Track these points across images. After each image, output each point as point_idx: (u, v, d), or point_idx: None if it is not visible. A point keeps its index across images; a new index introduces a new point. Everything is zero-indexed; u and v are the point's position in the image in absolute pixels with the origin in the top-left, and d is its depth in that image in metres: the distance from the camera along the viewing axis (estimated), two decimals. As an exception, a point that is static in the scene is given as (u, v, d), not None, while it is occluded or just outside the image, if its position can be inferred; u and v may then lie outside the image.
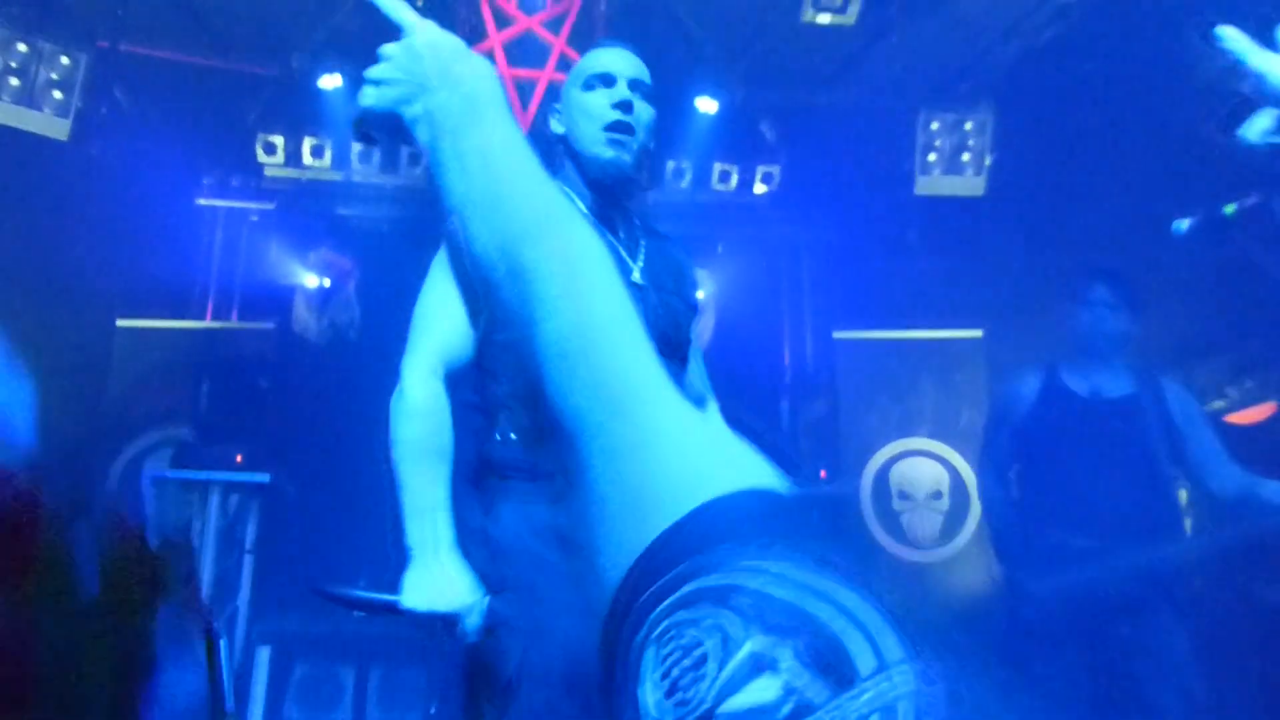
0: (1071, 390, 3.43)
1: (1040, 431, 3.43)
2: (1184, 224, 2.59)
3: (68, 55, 5.68)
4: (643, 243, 2.17)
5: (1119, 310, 3.42)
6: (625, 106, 2.06)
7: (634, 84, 2.12)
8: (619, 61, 2.14)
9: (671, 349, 2.10)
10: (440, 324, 2.07)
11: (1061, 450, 3.36)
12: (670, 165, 7.32)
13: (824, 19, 5.63)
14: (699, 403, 2.26)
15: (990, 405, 3.67)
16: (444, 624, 1.88)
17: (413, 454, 2.03)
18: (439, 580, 1.91)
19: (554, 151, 2.14)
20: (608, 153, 2.07)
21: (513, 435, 2.01)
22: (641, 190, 2.26)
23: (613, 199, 2.12)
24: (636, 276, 2.07)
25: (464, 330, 2.05)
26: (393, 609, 1.97)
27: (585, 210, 2.03)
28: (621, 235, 2.13)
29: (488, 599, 1.90)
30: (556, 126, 2.20)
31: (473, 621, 1.89)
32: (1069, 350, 3.51)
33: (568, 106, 2.15)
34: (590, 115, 2.07)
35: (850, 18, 5.62)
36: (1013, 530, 3.45)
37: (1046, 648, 3.34)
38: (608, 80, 2.10)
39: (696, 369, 2.33)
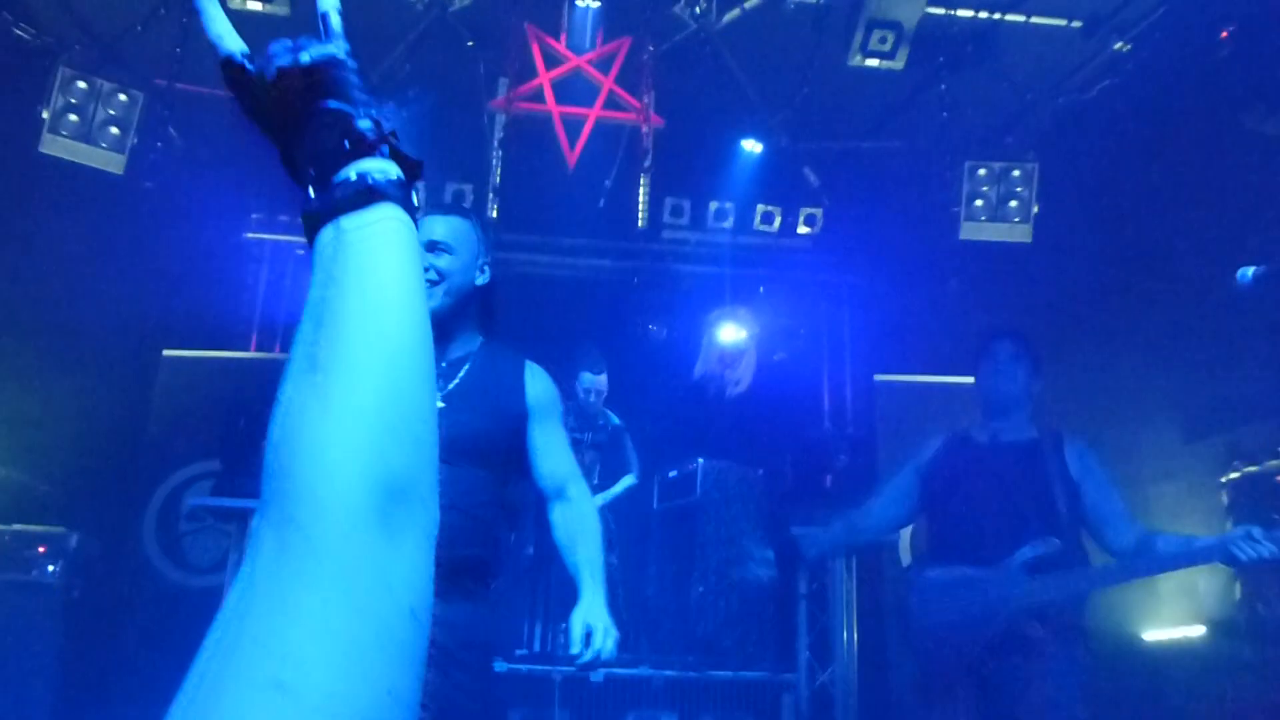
0: (972, 437, 3.61)
1: (941, 473, 3.58)
2: (1249, 272, 2.55)
3: (125, 93, 5.82)
4: (465, 366, 2.63)
5: (1019, 365, 3.58)
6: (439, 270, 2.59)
7: (430, 245, 2.59)
8: (432, 228, 2.63)
9: (469, 457, 2.47)
10: None
11: (960, 489, 3.49)
12: (714, 206, 7.35)
13: (872, 63, 5.64)
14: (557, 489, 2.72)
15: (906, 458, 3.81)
16: None
17: None
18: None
19: None
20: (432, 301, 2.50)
21: None
22: (482, 314, 2.75)
23: (441, 331, 2.54)
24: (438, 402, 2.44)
25: None
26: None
27: None
28: (443, 364, 2.60)
29: None
30: None
31: None
32: (982, 406, 3.68)
33: None
34: None
35: (899, 63, 5.62)
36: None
37: (938, 680, 3.39)
38: (430, 247, 2.60)
39: (549, 454, 2.72)
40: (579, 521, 2.71)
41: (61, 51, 5.70)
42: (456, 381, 2.62)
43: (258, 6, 5.54)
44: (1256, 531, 2.91)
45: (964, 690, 3.28)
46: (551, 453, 2.73)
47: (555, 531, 2.73)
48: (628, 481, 6.32)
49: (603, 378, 6.31)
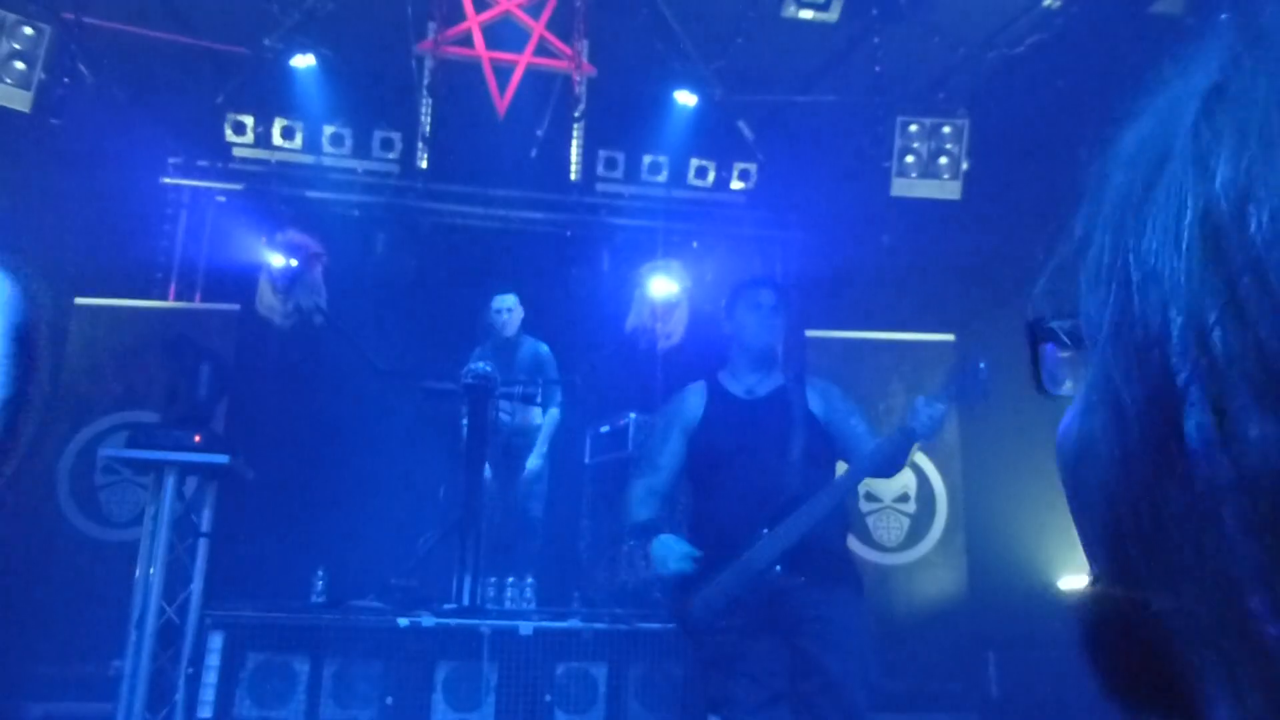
0: (730, 392, 3.60)
1: (706, 436, 3.56)
2: None
3: (31, 26, 5.55)
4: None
5: (779, 316, 3.61)
6: None
7: None
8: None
9: None
10: None
11: (723, 443, 3.51)
12: (647, 160, 7.28)
13: (805, 15, 5.60)
14: None
15: (661, 411, 3.81)
16: None
17: None
18: None
19: None
20: None
21: None
22: None
23: None
24: None
25: None
26: None
27: None
28: None
29: None
30: None
31: None
32: (728, 357, 3.68)
33: None
34: None
35: (832, 15, 5.60)
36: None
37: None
38: None
39: None
40: None
41: (-40, -19, 5.41)
42: None
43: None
44: (921, 401, 3.16)
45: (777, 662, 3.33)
46: None
47: None
48: (553, 417, 6.29)
49: (510, 298, 6.30)
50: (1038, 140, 6.22)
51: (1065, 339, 0.50)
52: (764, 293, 3.62)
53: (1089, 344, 0.46)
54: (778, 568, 3.25)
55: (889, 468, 3.45)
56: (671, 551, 3.29)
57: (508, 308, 6.28)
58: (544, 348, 6.38)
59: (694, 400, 3.59)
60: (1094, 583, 0.45)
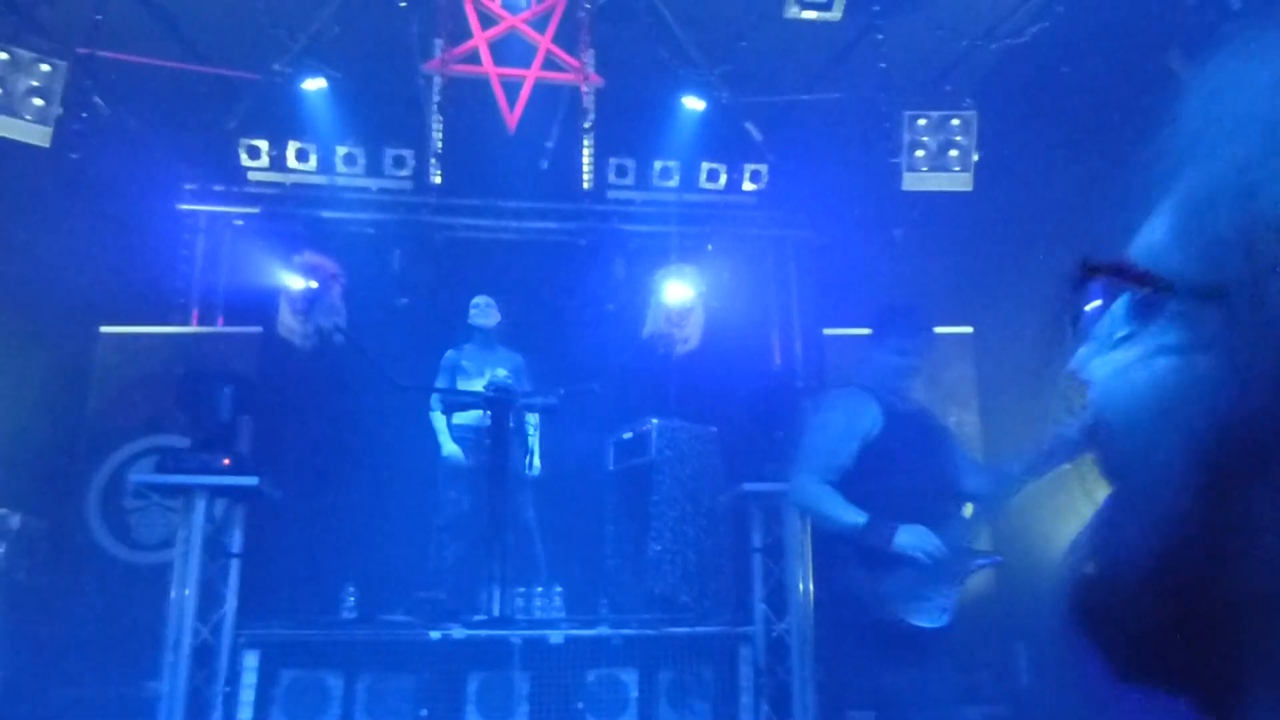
0: (895, 405, 3.74)
1: (889, 438, 3.67)
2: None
3: (47, 63, 5.64)
4: None
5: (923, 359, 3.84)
6: None
7: None
8: None
9: None
10: None
11: (907, 450, 3.67)
12: (658, 165, 7.31)
13: (808, 15, 5.62)
14: None
15: (831, 415, 3.84)
16: None
17: None
18: None
19: None
20: None
21: None
22: None
23: None
24: None
25: None
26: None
27: None
28: None
29: None
30: None
31: None
32: (885, 377, 3.79)
33: None
34: None
35: (835, 14, 5.60)
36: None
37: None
38: None
39: None
40: None
41: (-23, 21, 5.50)
42: None
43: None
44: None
45: None
46: None
47: None
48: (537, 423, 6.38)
49: (483, 298, 6.45)
50: (1046, 128, 6.21)
51: (1141, 283, 0.52)
52: (922, 338, 3.86)
53: (1178, 295, 0.48)
54: (980, 561, 3.55)
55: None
56: (927, 539, 3.42)
57: (486, 302, 6.45)
58: (520, 357, 6.48)
59: (872, 410, 3.71)
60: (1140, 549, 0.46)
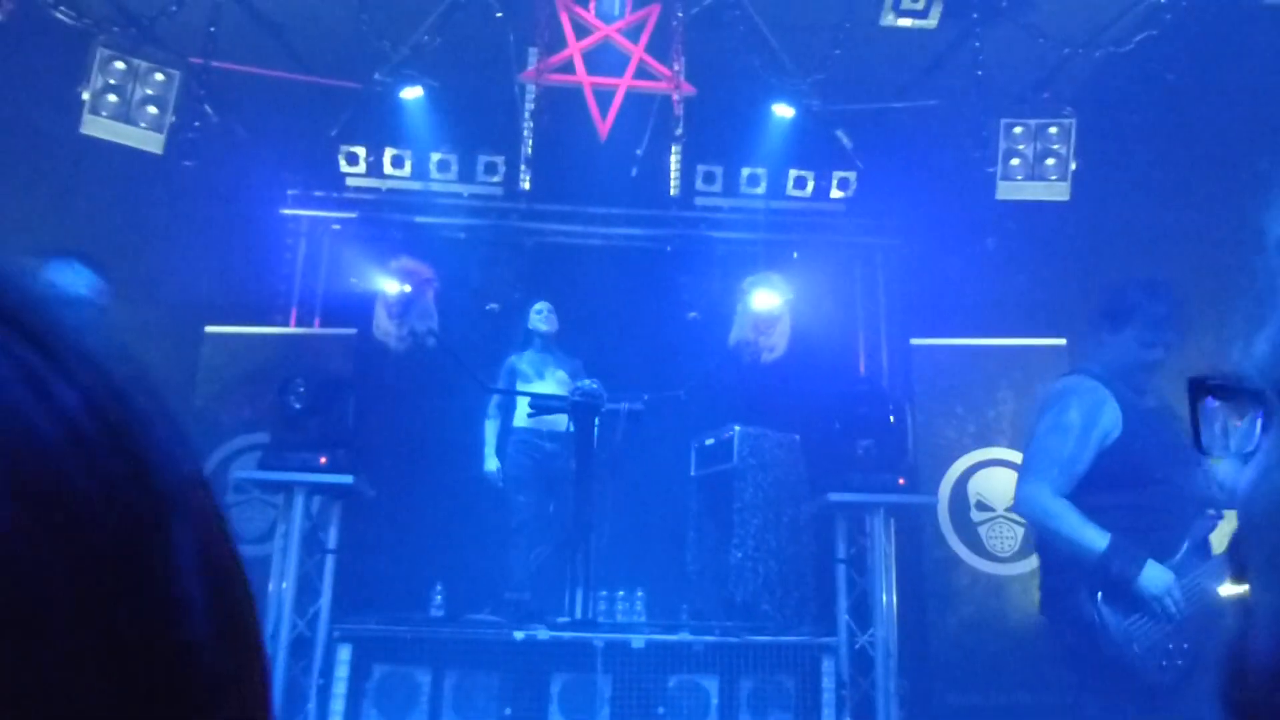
0: (1137, 401, 3.39)
1: (1131, 442, 3.34)
2: None
3: (163, 72, 5.89)
4: None
5: (1175, 328, 3.39)
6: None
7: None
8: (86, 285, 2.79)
9: None
10: None
11: (1154, 457, 3.30)
12: (746, 172, 7.31)
13: (904, 23, 5.57)
14: None
15: (1063, 424, 3.42)
16: None
17: None
18: None
19: None
20: None
21: None
22: None
23: None
24: None
25: None
26: None
27: None
28: None
29: None
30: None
31: None
32: (1123, 368, 3.44)
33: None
34: None
35: (931, 21, 5.54)
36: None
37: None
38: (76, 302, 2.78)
39: None
40: None
41: (99, 32, 5.77)
42: None
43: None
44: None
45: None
46: None
47: None
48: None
49: (544, 307, 6.58)
50: (1147, 138, 6.05)
51: (1245, 396, 0.54)
52: (1178, 310, 3.39)
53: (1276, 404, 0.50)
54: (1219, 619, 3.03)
55: None
56: (1174, 590, 3.10)
57: (548, 308, 6.57)
58: (578, 361, 6.56)
59: (1111, 408, 3.37)
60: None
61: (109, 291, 2.86)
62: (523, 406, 6.31)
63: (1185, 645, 3.10)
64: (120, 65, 5.82)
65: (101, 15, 5.82)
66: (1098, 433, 3.33)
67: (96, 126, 5.77)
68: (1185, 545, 3.20)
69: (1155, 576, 3.10)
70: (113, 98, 5.79)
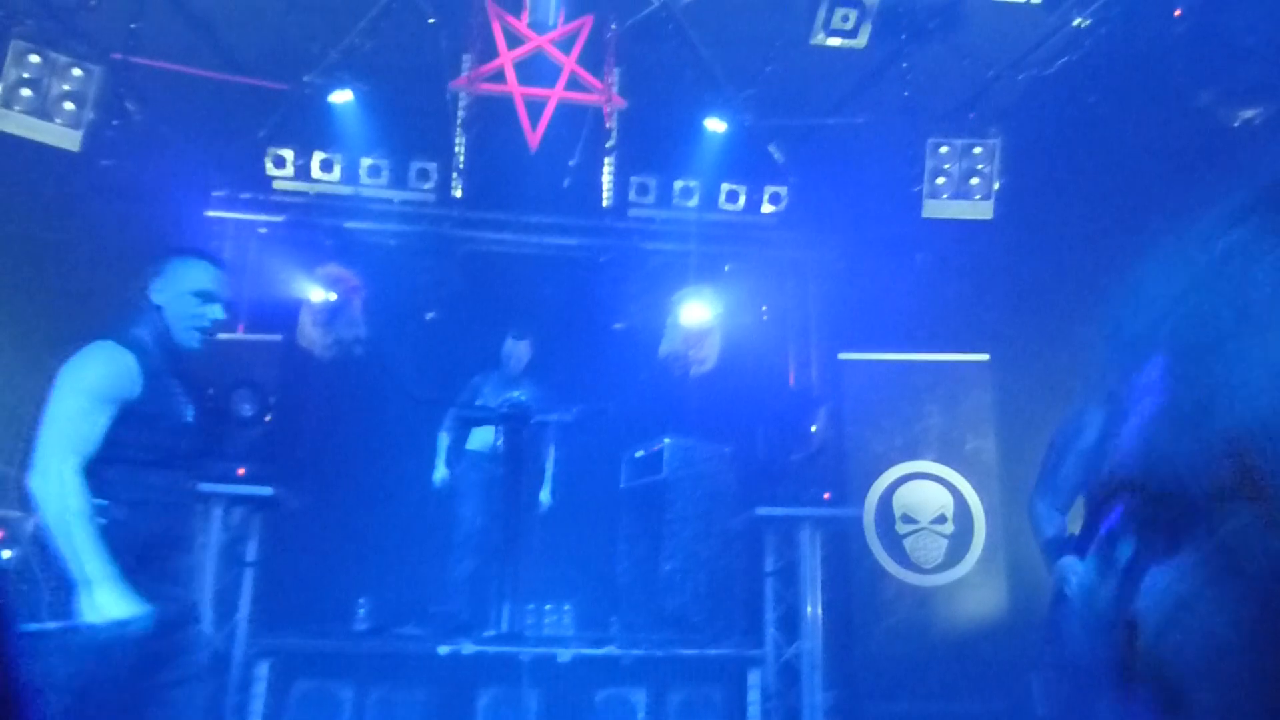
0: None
1: (1102, 456, 3.47)
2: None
3: (81, 68, 5.70)
4: (193, 395, 2.94)
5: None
6: (218, 322, 2.93)
7: (225, 303, 2.97)
8: (221, 284, 2.96)
9: (197, 462, 2.98)
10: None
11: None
12: (679, 184, 7.34)
13: (834, 42, 5.65)
14: None
15: (1060, 430, 3.62)
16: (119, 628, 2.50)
17: (68, 519, 2.56)
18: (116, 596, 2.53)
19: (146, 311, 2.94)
20: (195, 344, 2.91)
21: None
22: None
23: (183, 363, 2.91)
24: (188, 417, 2.87)
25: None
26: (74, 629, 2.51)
27: (167, 366, 2.84)
28: (183, 389, 2.89)
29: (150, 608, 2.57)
30: (156, 297, 2.96)
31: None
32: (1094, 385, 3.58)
33: (170, 293, 2.92)
34: (187, 315, 2.91)
35: (861, 41, 5.63)
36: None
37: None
38: (210, 298, 2.91)
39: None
40: None
41: (15, 24, 5.57)
42: None
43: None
44: None
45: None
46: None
47: None
48: (552, 453, 6.54)
49: (523, 344, 6.52)
50: (1069, 158, 6.22)
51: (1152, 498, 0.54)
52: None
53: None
54: None
55: None
56: (1073, 570, 3.31)
57: (519, 355, 6.63)
58: (541, 390, 6.59)
59: (1092, 420, 3.51)
60: None
61: (228, 285, 2.86)
62: (478, 432, 6.34)
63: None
64: (36, 59, 5.62)
65: (18, 7, 5.62)
66: (1076, 445, 3.55)
67: (9, 122, 5.57)
68: None
69: (1061, 569, 3.37)
70: (27, 92, 5.59)
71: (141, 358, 2.78)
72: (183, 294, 2.90)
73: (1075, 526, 3.40)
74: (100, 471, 2.65)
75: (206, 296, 2.89)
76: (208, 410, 2.95)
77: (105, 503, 2.62)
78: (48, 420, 2.65)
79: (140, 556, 2.65)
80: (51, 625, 2.74)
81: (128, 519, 2.64)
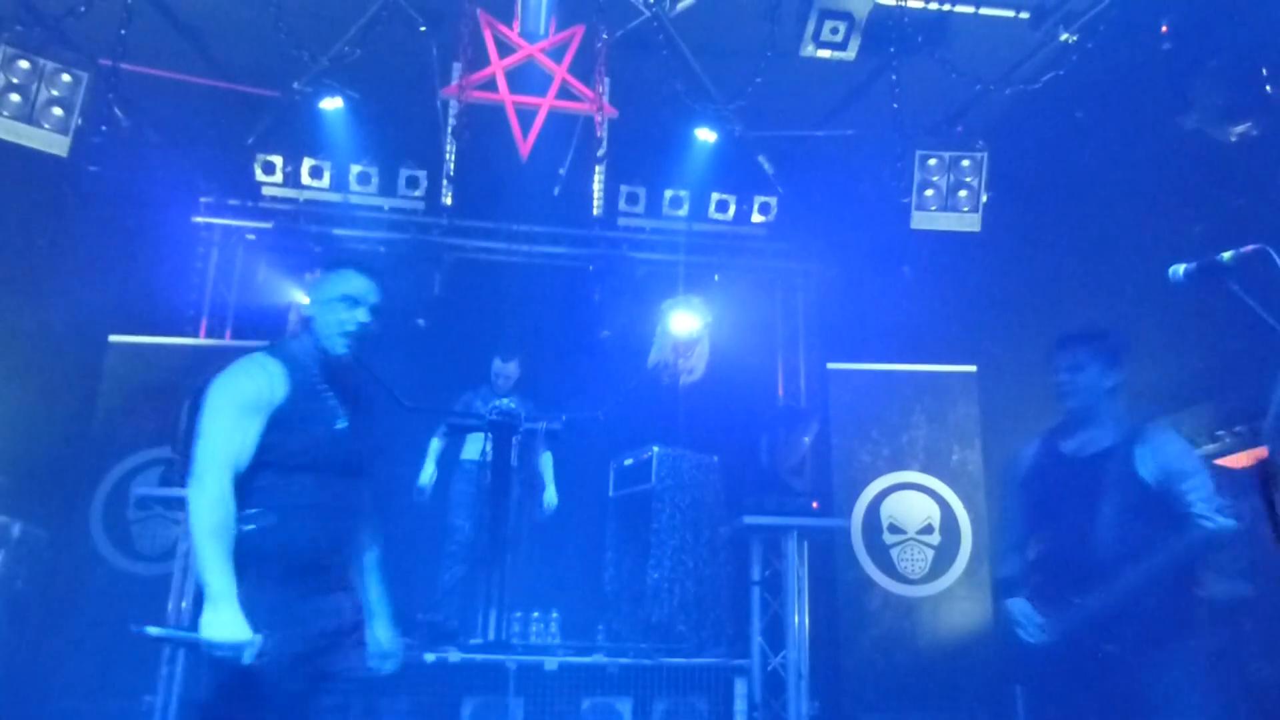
0: (1059, 448, 3.55)
1: (1035, 489, 3.56)
2: (1180, 269, 2.61)
3: (69, 73, 5.68)
4: (349, 401, 2.91)
5: (1082, 374, 3.50)
6: (364, 326, 2.89)
7: (372, 309, 2.92)
8: (366, 289, 2.91)
9: (358, 469, 2.91)
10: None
11: (1050, 505, 3.49)
12: (669, 194, 7.36)
13: (824, 54, 5.68)
14: None
15: (1003, 468, 3.84)
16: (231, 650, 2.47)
17: (212, 534, 2.55)
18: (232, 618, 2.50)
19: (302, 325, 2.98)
20: (341, 350, 2.86)
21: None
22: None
23: (336, 371, 2.90)
24: (342, 423, 2.86)
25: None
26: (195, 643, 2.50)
27: (318, 374, 2.86)
28: (336, 395, 2.88)
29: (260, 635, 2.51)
30: (307, 309, 2.99)
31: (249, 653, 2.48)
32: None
33: (320, 303, 2.92)
34: (333, 321, 2.88)
35: (850, 53, 5.66)
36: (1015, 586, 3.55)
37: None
38: (354, 302, 2.87)
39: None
40: None
41: (2, 30, 5.55)
42: None
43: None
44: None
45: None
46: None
47: None
48: (549, 459, 6.68)
49: (511, 364, 6.64)
50: (1056, 172, 6.27)
51: None
52: (1061, 355, 3.56)
53: None
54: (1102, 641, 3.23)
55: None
56: (1029, 621, 3.37)
57: (505, 375, 6.70)
58: (531, 403, 6.64)
59: (1026, 454, 3.64)
60: None
61: (377, 290, 2.96)
62: (472, 442, 6.38)
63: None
64: (24, 64, 5.60)
65: (5, 12, 5.61)
66: (1014, 479, 3.70)
67: (-3, 126, 5.54)
68: None
69: (1012, 612, 3.44)
70: (15, 97, 5.57)
71: (290, 367, 2.79)
72: (329, 300, 2.89)
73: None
74: (251, 478, 2.65)
75: (352, 302, 2.86)
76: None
77: (256, 509, 2.62)
78: (200, 434, 2.66)
79: (292, 565, 2.65)
80: (178, 633, 2.82)
81: (278, 525, 2.62)
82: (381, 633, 2.99)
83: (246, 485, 2.64)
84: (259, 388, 2.71)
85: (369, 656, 2.94)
